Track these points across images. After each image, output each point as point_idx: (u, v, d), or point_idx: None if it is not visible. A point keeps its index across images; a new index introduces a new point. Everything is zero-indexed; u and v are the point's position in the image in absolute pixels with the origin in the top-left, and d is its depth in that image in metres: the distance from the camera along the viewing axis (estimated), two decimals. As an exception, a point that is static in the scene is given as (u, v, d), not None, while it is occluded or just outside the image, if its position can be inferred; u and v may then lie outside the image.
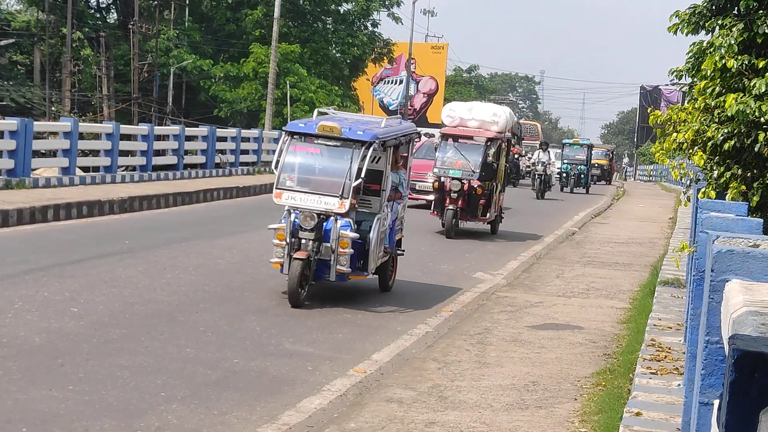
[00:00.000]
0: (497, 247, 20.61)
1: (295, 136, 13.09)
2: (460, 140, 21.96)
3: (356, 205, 13.10)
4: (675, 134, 12.49)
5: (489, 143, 21.75)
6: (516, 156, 48.00)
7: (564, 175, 45.30)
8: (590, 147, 48.25)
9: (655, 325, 11.50)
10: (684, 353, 9.01)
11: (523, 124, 67.22)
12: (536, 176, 38.52)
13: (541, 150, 40.10)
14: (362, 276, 13.20)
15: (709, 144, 11.84)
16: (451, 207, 20.98)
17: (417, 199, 26.73)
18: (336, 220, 12.54)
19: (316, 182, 12.93)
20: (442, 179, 21.36)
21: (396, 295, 14.10)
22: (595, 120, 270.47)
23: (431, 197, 25.17)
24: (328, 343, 10.88)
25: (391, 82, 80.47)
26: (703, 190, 11.79)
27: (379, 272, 13.91)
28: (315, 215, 12.44)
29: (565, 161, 45.71)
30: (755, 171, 11.74)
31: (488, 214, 21.75)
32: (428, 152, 28.70)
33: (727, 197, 11.27)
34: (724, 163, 11.99)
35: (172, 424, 7.72)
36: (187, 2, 58.73)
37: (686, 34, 12.92)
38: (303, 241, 12.48)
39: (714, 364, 4.27)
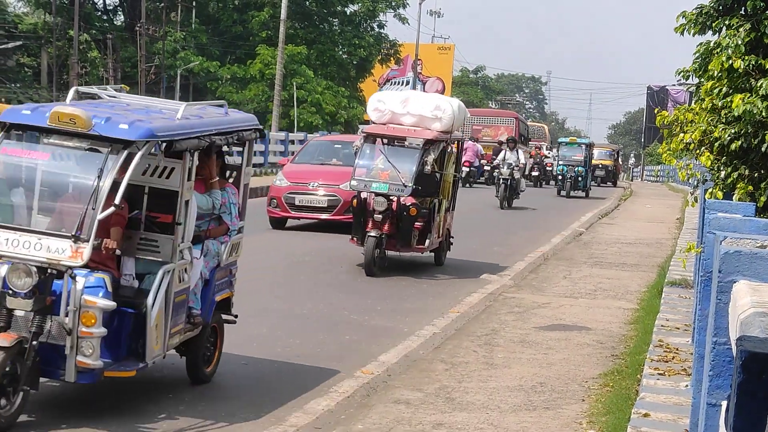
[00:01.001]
0: (504, 248, 20.57)
1: (14, 131, 7.94)
2: (389, 142, 16.38)
3: (117, 251, 8.07)
4: (682, 135, 12.48)
5: (428, 147, 15.90)
6: (542, 158, 47.91)
7: (560, 177, 40.67)
8: (590, 146, 44.11)
9: (662, 325, 11.49)
10: (692, 354, 9.01)
11: (531, 125, 67.14)
12: (500, 181, 31.00)
13: (507, 148, 32.65)
14: (130, 372, 7.93)
15: (716, 144, 11.83)
16: (373, 233, 15.42)
17: (299, 218, 21.31)
18: (74, 277, 7.47)
19: (36, 212, 7.83)
20: (363, 195, 15.78)
21: (400, 297, 14.09)
22: (602, 120, 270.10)
23: (324, 216, 20.72)
24: (335, 345, 10.89)
25: (398, 83, 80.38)
26: (710, 190, 11.77)
27: (186, 354, 8.92)
28: (32, 270, 7.34)
29: (561, 162, 41.21)
30: (762, 171, 11.73)
31: (427, 242, 16.19)
32: (317, 154, 23.21)
33: (734, 198, 11.26)
34: (731, 164, 11.98)
35: (179, 426, 7.72)
36: (194, 4, 58.85)
37: (693, 35, 12.91)
38: (18, 313, 7.42)
39: (722, 365, 4.27)
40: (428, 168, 15.72)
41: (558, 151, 43.55)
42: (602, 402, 8.85)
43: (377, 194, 15.63)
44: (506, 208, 30.37)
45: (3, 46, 52.78)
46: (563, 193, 39.74)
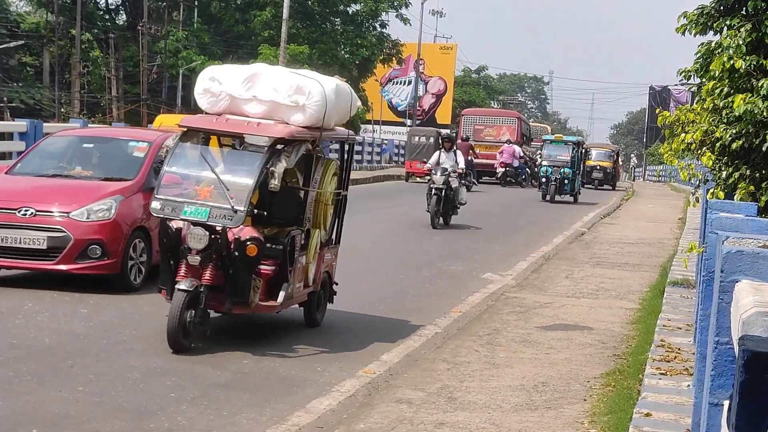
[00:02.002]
0: (506, 248, 20.58)
1: None
2: (220, 142, 11.03)
3: None
4: (683, 135, 12.50)
5: (280, 150, 10.53)
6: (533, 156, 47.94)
7: (544, 180, 36.29)
8: (578, 145, 39.63)
9: (664, 325, 11.49)
10: (694, 354, 9.01)
11: (533, 125, 67.15)
12: (432, 192, 23.51)
13: (442, 149, 25.11)
14: None
15: (718, 144, 11.85)
16: (184, 285, 9.89)
17: (14, 267, 12.90)
18: None
19: None
20: (174, 225, 10.21)
21: (405, 297, 14.10)
22: (604, 120, 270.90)
23: (42, 264, 12.66)
24: (337, 344, 10.89)
25: (400, 83, 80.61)
26: (711, 190, 11.79)
27: None
28: None
29: (545, 163, 36.79)
30: (764, 171, 11.74)
31: (281, 295, 10.56)
32: (54, 159, 14.44)
33: (735, 198, 11.27)
34: (733, 164, 11.99)
35: (181, 425, 7.73)
36: (196, 3, 58.88)
37: (694, 35, 12.92)
38: None
39: (724, 364, 4.27)
40: (275, 182, 10.26)
41: (542, 150, 39.67)
42: (604, 402, 8.85)
43: (194, 223, 10.07)
44: (440, 227, 23.33)
45: (5, 46, 52.84)
46: (548, 197, 35.70)
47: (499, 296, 14.47)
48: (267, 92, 10.67)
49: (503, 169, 44.53)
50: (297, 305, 11.44)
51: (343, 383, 9.21)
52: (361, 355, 10.42)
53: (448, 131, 45.48)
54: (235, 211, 9.95)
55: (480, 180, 42.08)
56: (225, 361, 9.71)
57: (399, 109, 79.20)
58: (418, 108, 74.87)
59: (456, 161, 24.32)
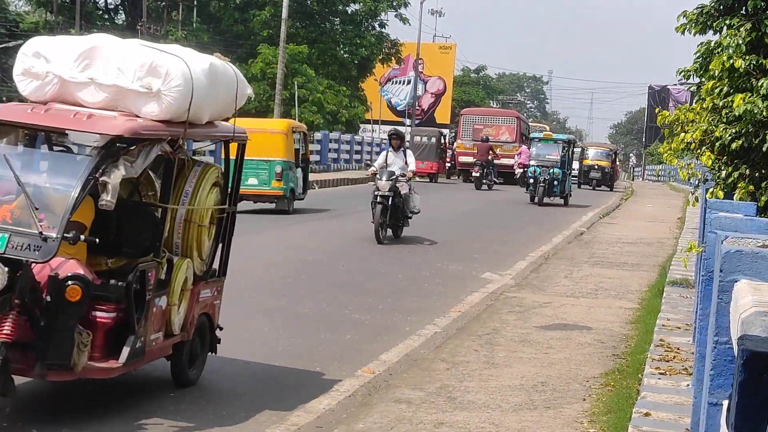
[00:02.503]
0: (505, 247, 20.56)
1: None
2: (35, 141, 8.46)
3: None
4: (683, 134, 12.49)
5: (120, 151, 7.61)
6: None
7: (532, 180, 33.69)
8: (569, 143, 37.05)
9: (663, 325, 11.49)
10: (693, 353, 9.01)
11: (532, 125, 67.09)
12: (377, 200, 19.33)
13: (391, 148, 20.59)
14: None
15: (717, 144, 11.85)
16: None
17: None
18: None
19: None
20: None
21: (402, 296, 14.09)
22: (604, 120, 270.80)
23: None
24: (337, 344, 10.90)
25: (399, 83, 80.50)
26: (711, 190, 11.79)
27: None
28: None
29: (534, 162, 34.23)
30: (763, 171, 11.74)
31: (125, 351, 7.55)
32: None
33: (734, 197, 11.27)
34: (732, 163, 11.99)
35: (181, 425, 7.74)
36: (195, 3, 58.86)
37: (694, 34, 12.92)
38: None
39: (723, 364, 4.28)
40: (107, 198, 7.37)
41: (529, 147, 37.42)
42: (603, 401, 8.85)
43: None
44: (387, 241, 19.51)
45: (4, 45, 52.85)
46: (536, 200, 33.23)
47: (499, 296, 14.47)
48: (109, 73, 7.90)
49: (521, 170, 44.14)
50: (165, 358, 8.59)
51: (343, 383, 9.22)
52: (361, 355, 10.42)
53: (435, 128, 45.17)
54: (45, 239, 7.08)
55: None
56: (224, 362, 9.72)
57: (398, 108, 79.10)
58: (418, 107, 74.78)
59: (406, 162, 20.11)
